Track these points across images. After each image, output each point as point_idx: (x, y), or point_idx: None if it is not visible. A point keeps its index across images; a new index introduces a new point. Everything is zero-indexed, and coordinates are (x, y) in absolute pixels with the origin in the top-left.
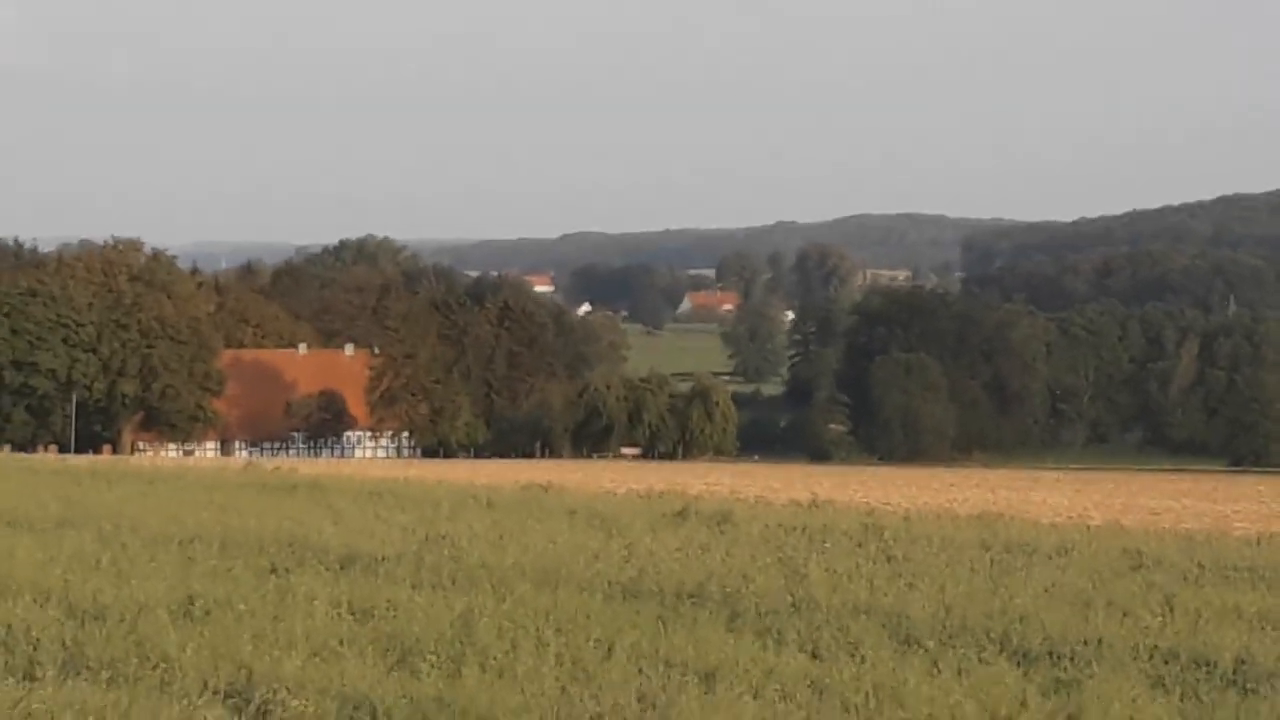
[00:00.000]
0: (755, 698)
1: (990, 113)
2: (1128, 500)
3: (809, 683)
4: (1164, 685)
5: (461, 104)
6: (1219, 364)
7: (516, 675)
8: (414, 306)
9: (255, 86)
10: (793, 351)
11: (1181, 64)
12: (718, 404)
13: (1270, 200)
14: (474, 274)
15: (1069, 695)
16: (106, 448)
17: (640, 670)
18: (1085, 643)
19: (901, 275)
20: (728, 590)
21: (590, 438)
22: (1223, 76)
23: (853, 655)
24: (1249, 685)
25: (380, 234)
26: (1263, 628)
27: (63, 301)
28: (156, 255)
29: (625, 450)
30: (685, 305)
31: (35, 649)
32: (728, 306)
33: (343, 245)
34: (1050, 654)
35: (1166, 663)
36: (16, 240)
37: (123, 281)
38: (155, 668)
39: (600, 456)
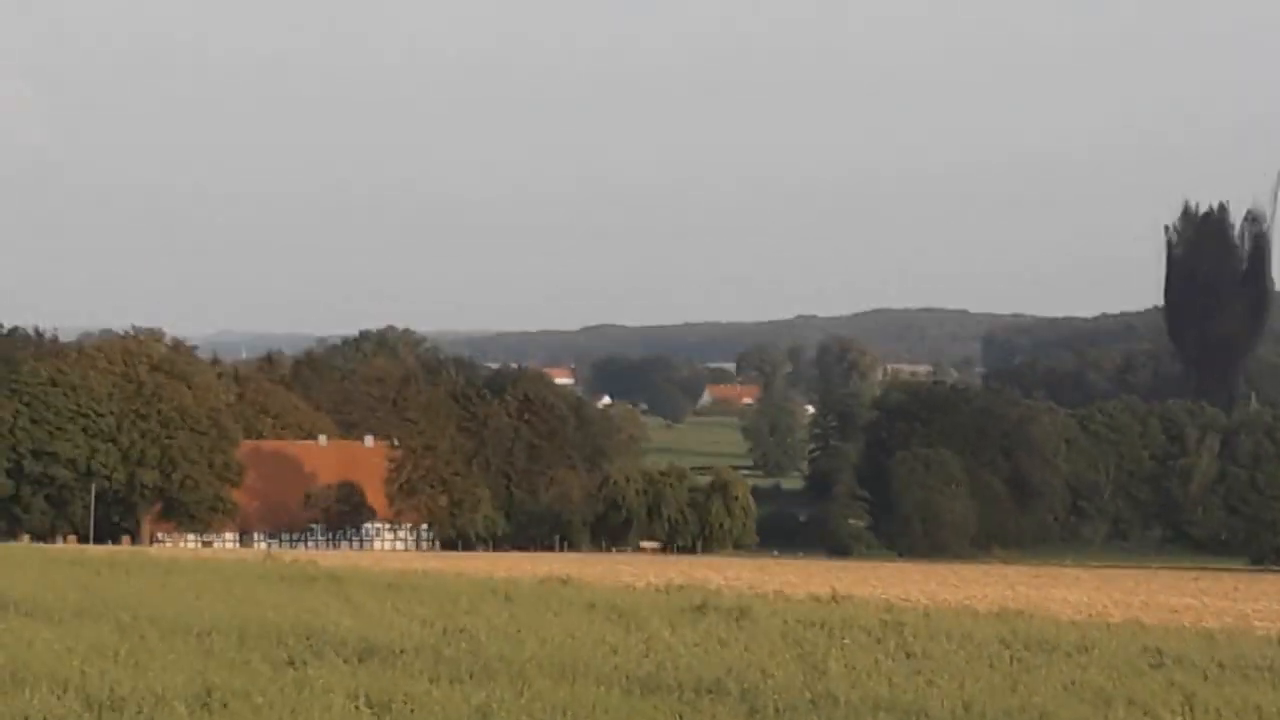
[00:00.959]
0: None
1: (1012, 209)
2: (1148, 598)
3: None
4: None
5: (483, 196)
6: (1240, 461)
7: None
8: (434, 398)
9: (277, 181)
10: (813, 445)
11: (1202, 165)
12: (737, 498)
13: None
14: (494, 365)
15: None
16: (125, 538)
17: None
18: None
19: (922, 370)
20: (746, 685)
21: (609, 531)
22: (1243, 179)
23: None
24: None
25: (400, 325)
26: None
27: (83, 391)
28: (177, 345)
29: (644, 544)
30: (705, 398)
31: None
32: (747, 399)
33: (363, 336)
34: None
35: None
36: (37, 330)
37: (143, 371)
38: None
39: (619, 550)
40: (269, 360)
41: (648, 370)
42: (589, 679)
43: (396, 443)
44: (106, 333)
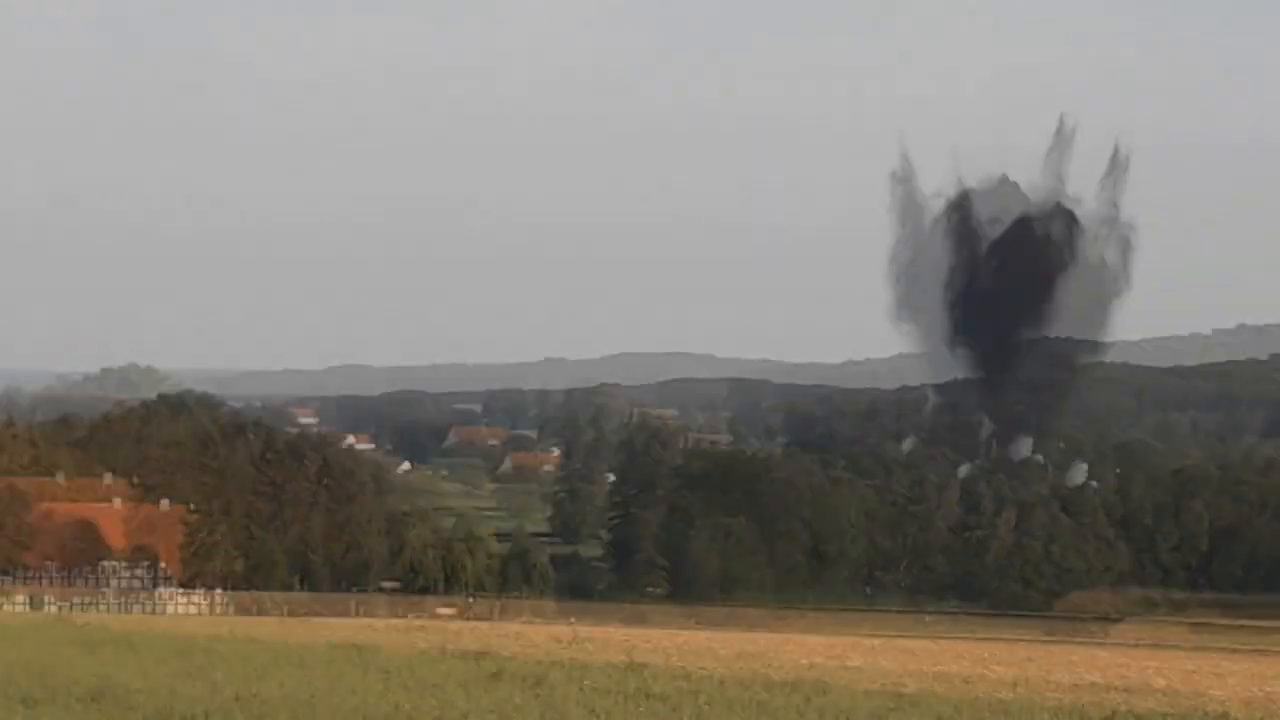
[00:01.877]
0: None
1: (759, 258)
2: (942, 666)
3: None
4: None
5: (224, 231)
6: (1035, 535)
7: None
8: (231, 460)
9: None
10: (612, 513)
11: None
12: (535, 565)
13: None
14: (238, 404)
15: None
16: None
17: None
18: None
19: (669, 413)
20: None
21: (407, 597)
22: None
23: None
24: None
25: (143, 363)
26: None
27: None
28: None
29: (440, 610)
30: (450, 439)
31: None
32: (493, 441)
33: (104, 373)
34: None
35: None
36: None
37: None
38: None
39: (416, 616)
40: (64, 422)
41: (392, 409)
42: None
43: (193, 506)
44: None
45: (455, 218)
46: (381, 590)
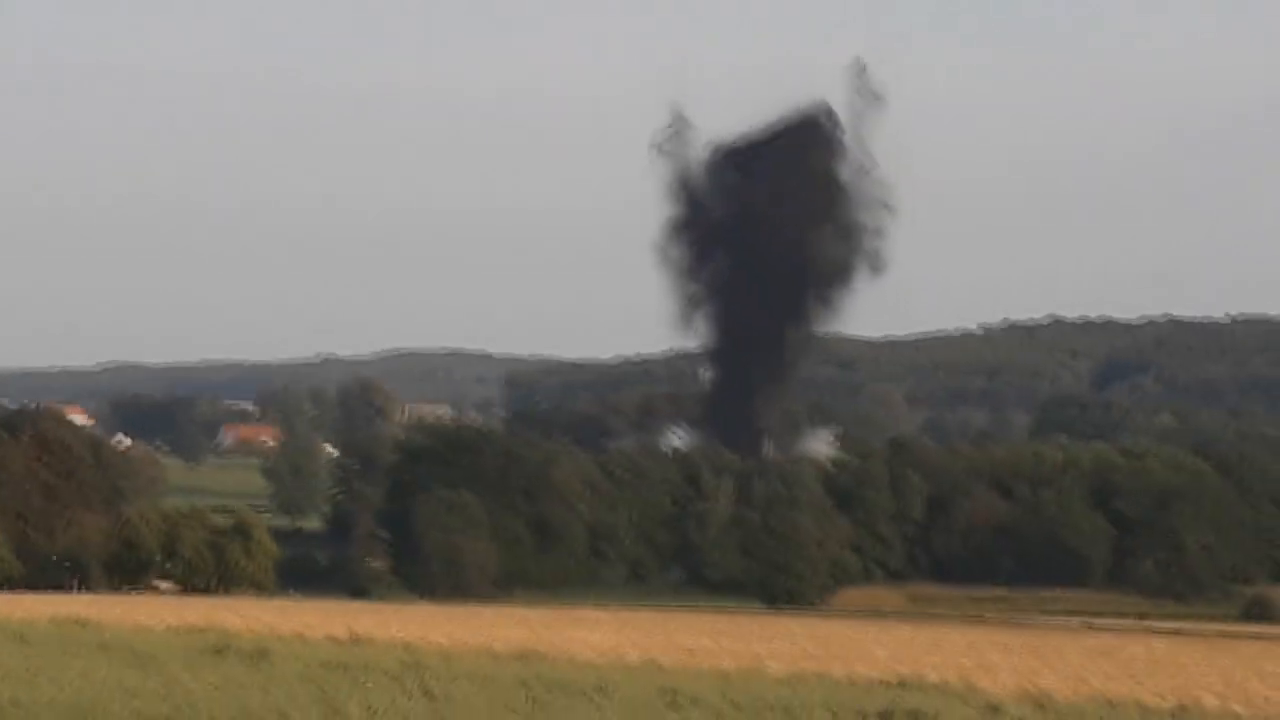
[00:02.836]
0: None
1: (533, 252)
2: (665, 639)
3: None
4: None
5: None
6: (754, 505)
7: None
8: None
9: None
10: (334, 488)
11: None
12: (257, 539)
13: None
14: (9, 404)
15: None
16: None
17: None
18: None
19: (444, 411)
20: None
21: (126, 571)
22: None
23: None
24: None
25: None
26: None
27: None
28: None
29: (160, 584)
30: (226, 438)
31: None
32: (268, 439)
33: None
34: None
35: None
36: None
37: None
38: None
39: (135, 591)
40: None
41: (169, 410)
42: None
43: None
44: None
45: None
46: (157, 589)
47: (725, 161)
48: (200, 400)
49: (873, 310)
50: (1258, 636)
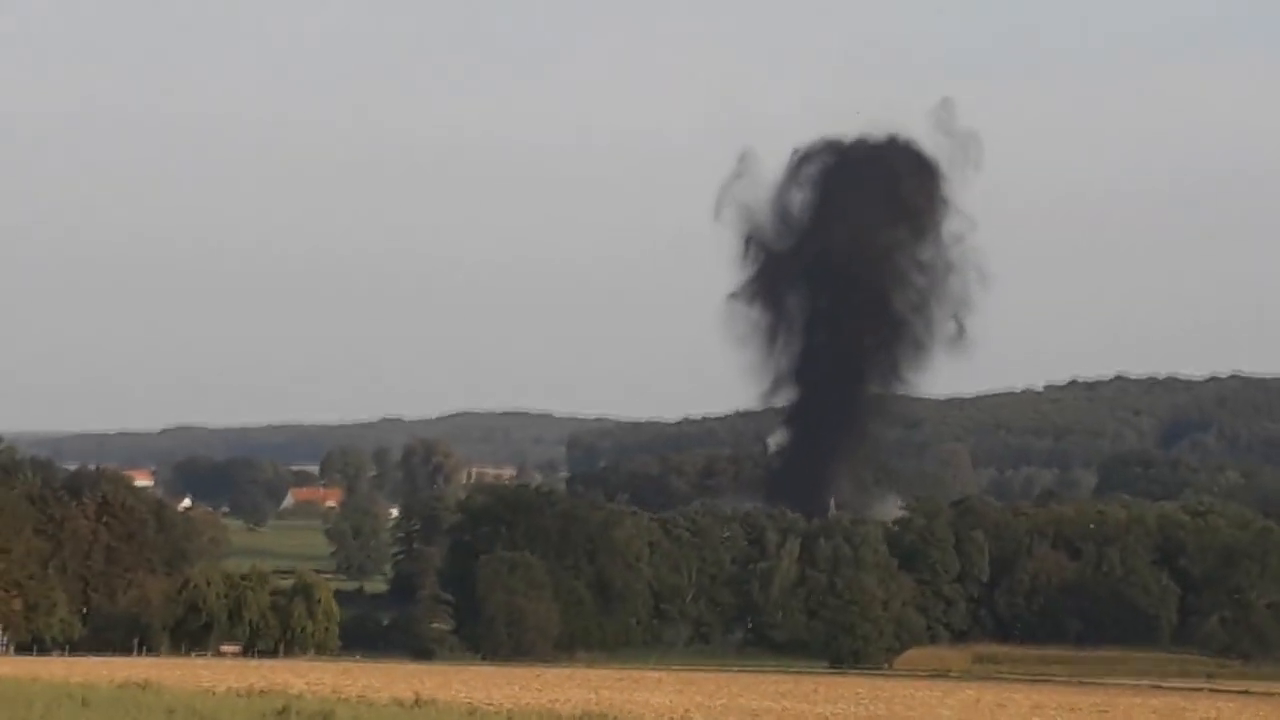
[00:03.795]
0: None
1: (595, 311)
2: (729, 700)
3: None
4: None
5: (54, 291)
6: (819, 566)
7: None
8: (9, 500)
9: None
10: (396, 548)
11: None
12: (320, 601)
13: None
14: (72, 467)
15: None
16: None
17: None
18: None
19: (507, 473)
20: None
21: (190, 635)
22: None
23: None
24: None
25: None
26: None
27: None
28: None
29: (224, 648)
30: (288, 501)
31: None
32: (331, 502)
33: None
34: None
35: None
36: None
37: None
38: None
39: (199, 654)
40: None
41: (230, 472)
42: None
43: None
44: None
45: (291, 274)
46: (221, 655)
47: (807, 181)
48: (262, 462)
49: (938, 368)
50: None
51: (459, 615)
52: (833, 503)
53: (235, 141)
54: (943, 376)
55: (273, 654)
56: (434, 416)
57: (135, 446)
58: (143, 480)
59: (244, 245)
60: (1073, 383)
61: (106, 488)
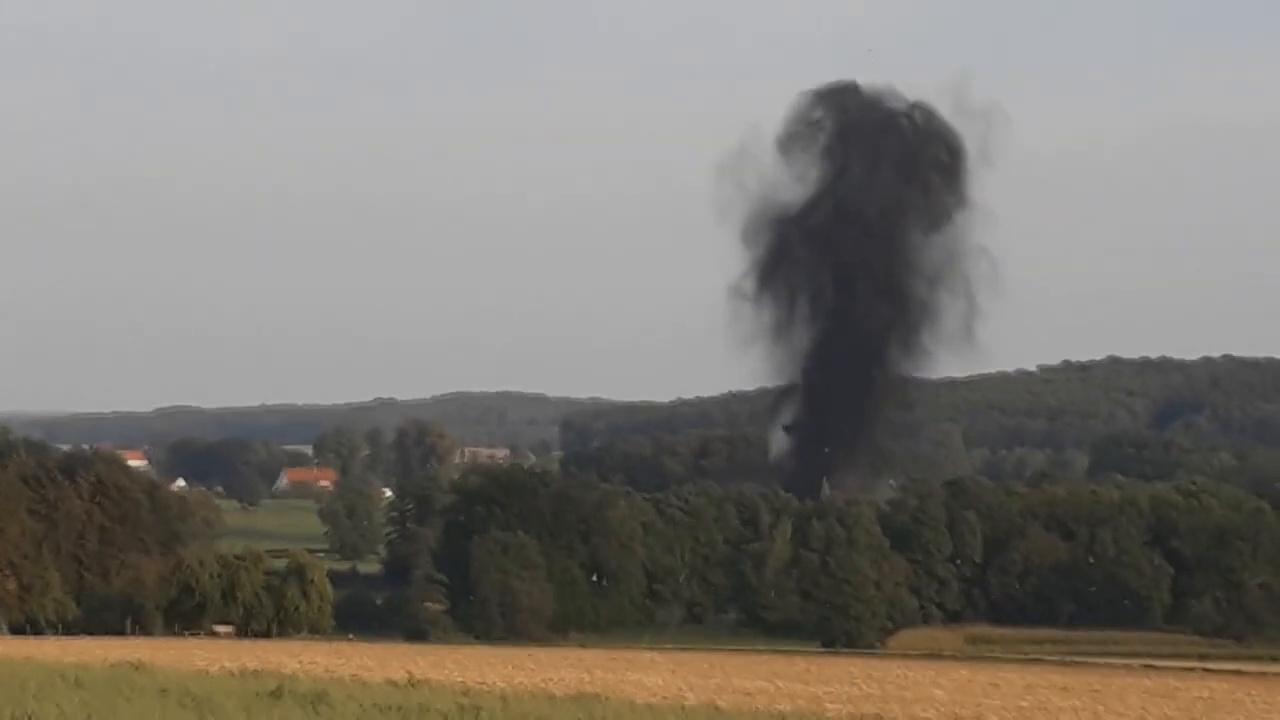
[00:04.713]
0: None
1: (588, 292)
2: (723, 681)
3: None
4: None
5: (46, 273)
6: (812, 546)
7: None
8: (3, 481)
9: None
10: (390, 529)
11: None
12: (313, 581)
13: None
14: (66, 448)
15: None
16: None
17: None
18: None
19: (501, 453)
20: None
21: (183, 615)
22: None
23: None
24: None
25: None
26: None
27: None
28: None
29: (218, 628)
30: (282, 481)
31: None
32: (325, 483)
33: None
34: None
35: None
36: None
37: None
38: None
39: (192, 634)
40: None
41: (224, 453)
42: None
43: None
44: None
45: (286, 257)
46: (215, 635)
47: (816, 144)
48: (256, 443)
49: (932, 350)
50: None
51: (453, 596)
52: (826, 484)
53: (235, 141)
54: (936, 358)
55: (266, 634)
56: (428, 397)
57: (129, 427)
58: (136, 461)
59: (247, 228)
60: (1066, 364)
61: (100, 468)
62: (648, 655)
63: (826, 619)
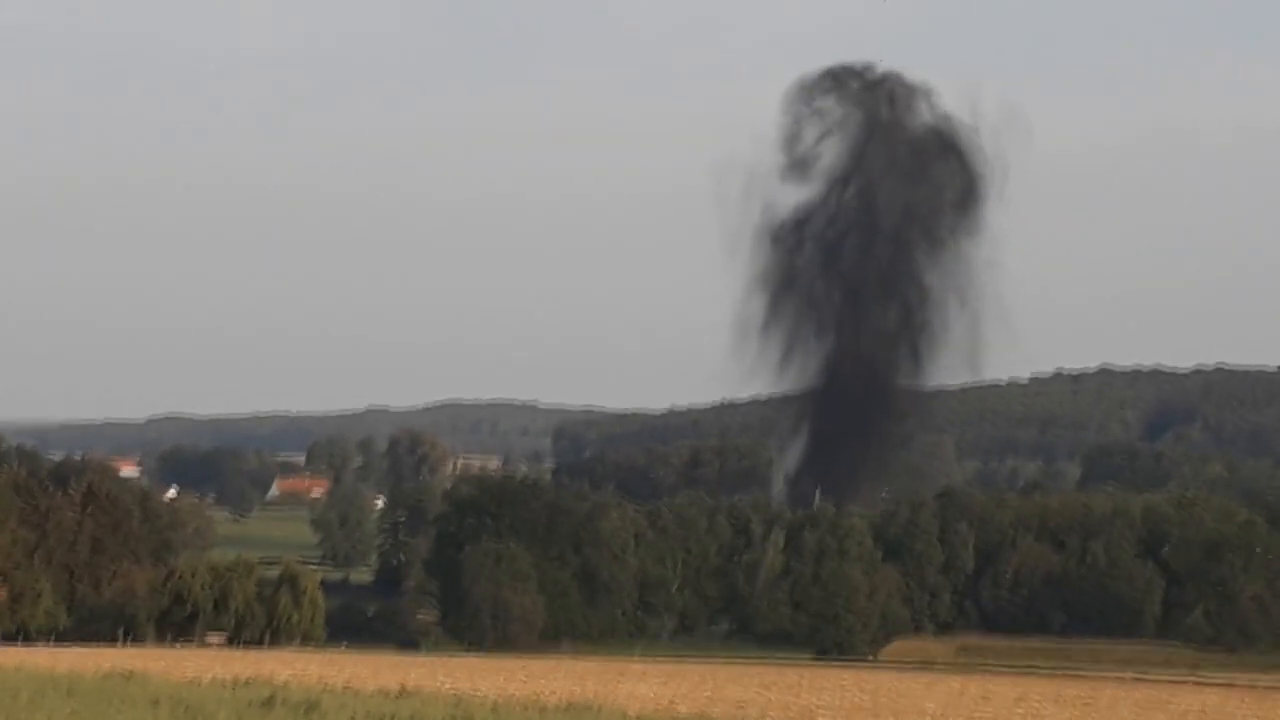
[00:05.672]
0: None
1: (581, 301)
2: (715, 691)
3: None
4: None
5: (38, 280)
6: (804, 557)
7: None
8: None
9: None
10: (382, 539)
11: None
12: (305, 591)
13: None
14: (58, 456)
15: None
16: None
17: None
18: None
19: (493, 463)
20: None
21: (175, 625)
22: None
23: None
24: None
25: None
26: None
27: None
28: None
29: (210, 638)
30: (274, 490)
31: None
32: (317, 492)
33: None
34: None
35: None
36: None
37: None
38: None
39: (185, 644)
40: None
41: (216, 462)
42: None
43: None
44: None
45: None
46: (207, 644)
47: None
48: (248, 452)
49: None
50: None
51: (444, 606)
52: (817, 493)
53: (232, 138)
54: (942, 370)
55: (258, 644)
56: (420, 406)
57: (121, 436)
58: (128, 470)
59: (230, 231)
60: (1058, 374)
61: (92, 477)
62: (639, 666)
63: (818, 629)
